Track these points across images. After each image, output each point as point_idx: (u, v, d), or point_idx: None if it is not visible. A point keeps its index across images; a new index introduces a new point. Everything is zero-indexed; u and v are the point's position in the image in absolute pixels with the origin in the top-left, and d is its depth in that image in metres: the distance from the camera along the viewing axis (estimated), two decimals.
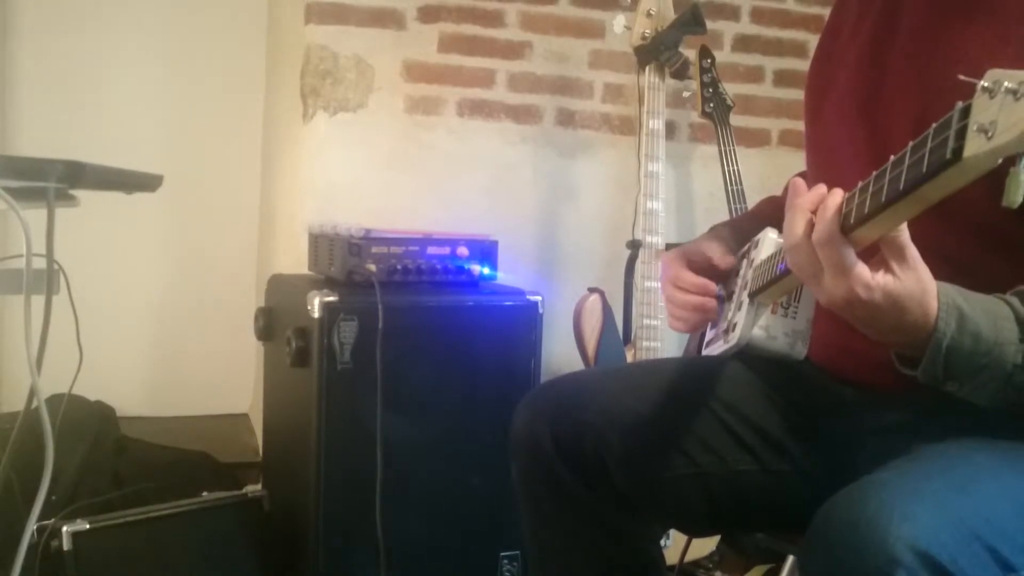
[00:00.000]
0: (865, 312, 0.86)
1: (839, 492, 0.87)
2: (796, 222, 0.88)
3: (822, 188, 0.88)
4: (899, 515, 0.80)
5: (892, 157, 0.78)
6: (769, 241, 1.11)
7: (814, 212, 0.87)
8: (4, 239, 2.46)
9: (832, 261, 0.84)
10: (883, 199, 0.78)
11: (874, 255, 0.85)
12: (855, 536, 0.81)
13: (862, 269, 0.84)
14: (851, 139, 1.11)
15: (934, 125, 0.73)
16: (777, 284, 1.03)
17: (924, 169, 0.73)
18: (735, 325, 1.12)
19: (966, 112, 0.70)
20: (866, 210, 0.80)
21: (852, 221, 0.82)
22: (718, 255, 1.21)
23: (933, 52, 1.03)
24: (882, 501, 0.82)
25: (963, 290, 0.88)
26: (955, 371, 0.88)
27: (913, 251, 0.84)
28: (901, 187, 0.76)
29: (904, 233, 0.82)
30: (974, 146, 0.69)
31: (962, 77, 0.70)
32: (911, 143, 0.76)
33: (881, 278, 0.84)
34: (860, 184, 0.82)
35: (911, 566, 0.77)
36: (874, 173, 0.80)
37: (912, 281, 0.84)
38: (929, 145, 0.73)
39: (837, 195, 0.85)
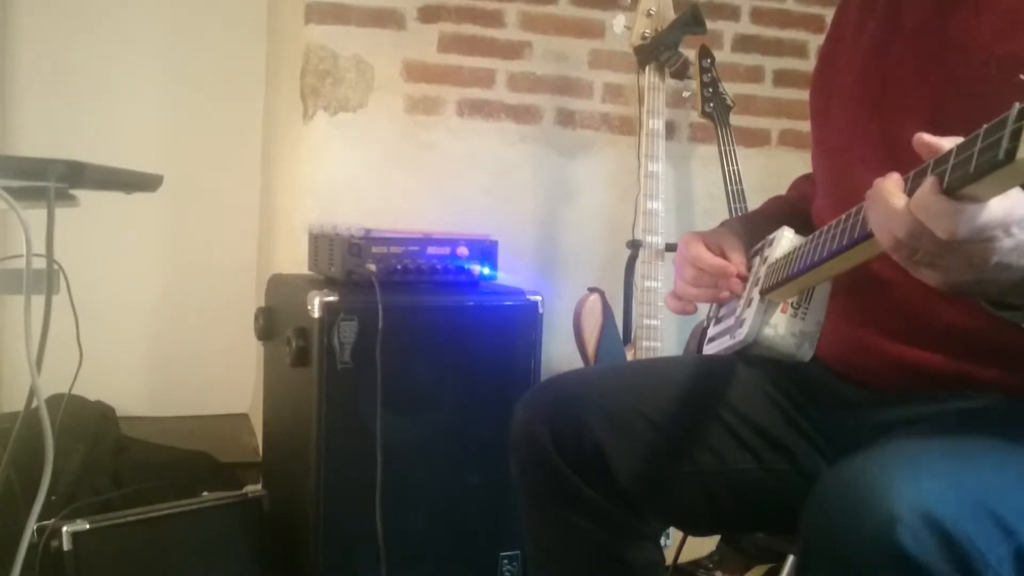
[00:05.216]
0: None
1: (841, 460, 0.86)
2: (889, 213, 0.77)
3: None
4: (901, 477, 0.79)
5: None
6: (786, 240, 1.11)
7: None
8: (4, 239, 2.47)
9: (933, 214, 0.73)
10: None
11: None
12: (856, 496, 0.80)
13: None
14: (862, 139, 1.10)
15: (985, 126, 0.68)
16: (795, 281, 1.03)
17: (972, 169, 0.69)
18: (743, 321, 1.11)
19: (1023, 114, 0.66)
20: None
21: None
22: (733, 250, 1.20)
23: (942, 43, 1.02)
24: (884, 465, 0.81)
25: None
26: None
27: None
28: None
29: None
30: None
31: None
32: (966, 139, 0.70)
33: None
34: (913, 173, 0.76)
35: (913, 524, 0.76)
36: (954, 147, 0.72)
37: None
38: (979, 145, 0.68)
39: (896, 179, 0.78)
